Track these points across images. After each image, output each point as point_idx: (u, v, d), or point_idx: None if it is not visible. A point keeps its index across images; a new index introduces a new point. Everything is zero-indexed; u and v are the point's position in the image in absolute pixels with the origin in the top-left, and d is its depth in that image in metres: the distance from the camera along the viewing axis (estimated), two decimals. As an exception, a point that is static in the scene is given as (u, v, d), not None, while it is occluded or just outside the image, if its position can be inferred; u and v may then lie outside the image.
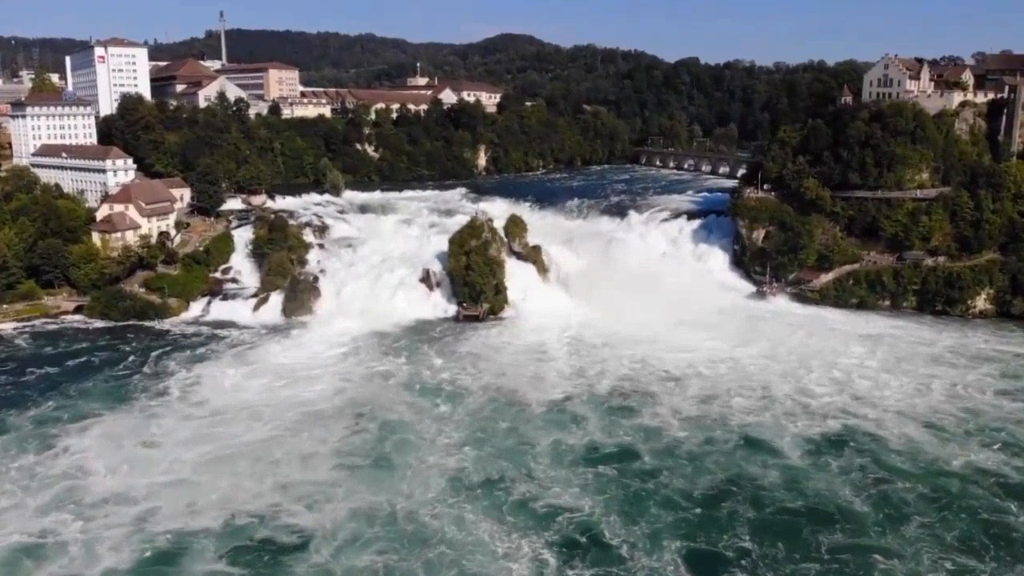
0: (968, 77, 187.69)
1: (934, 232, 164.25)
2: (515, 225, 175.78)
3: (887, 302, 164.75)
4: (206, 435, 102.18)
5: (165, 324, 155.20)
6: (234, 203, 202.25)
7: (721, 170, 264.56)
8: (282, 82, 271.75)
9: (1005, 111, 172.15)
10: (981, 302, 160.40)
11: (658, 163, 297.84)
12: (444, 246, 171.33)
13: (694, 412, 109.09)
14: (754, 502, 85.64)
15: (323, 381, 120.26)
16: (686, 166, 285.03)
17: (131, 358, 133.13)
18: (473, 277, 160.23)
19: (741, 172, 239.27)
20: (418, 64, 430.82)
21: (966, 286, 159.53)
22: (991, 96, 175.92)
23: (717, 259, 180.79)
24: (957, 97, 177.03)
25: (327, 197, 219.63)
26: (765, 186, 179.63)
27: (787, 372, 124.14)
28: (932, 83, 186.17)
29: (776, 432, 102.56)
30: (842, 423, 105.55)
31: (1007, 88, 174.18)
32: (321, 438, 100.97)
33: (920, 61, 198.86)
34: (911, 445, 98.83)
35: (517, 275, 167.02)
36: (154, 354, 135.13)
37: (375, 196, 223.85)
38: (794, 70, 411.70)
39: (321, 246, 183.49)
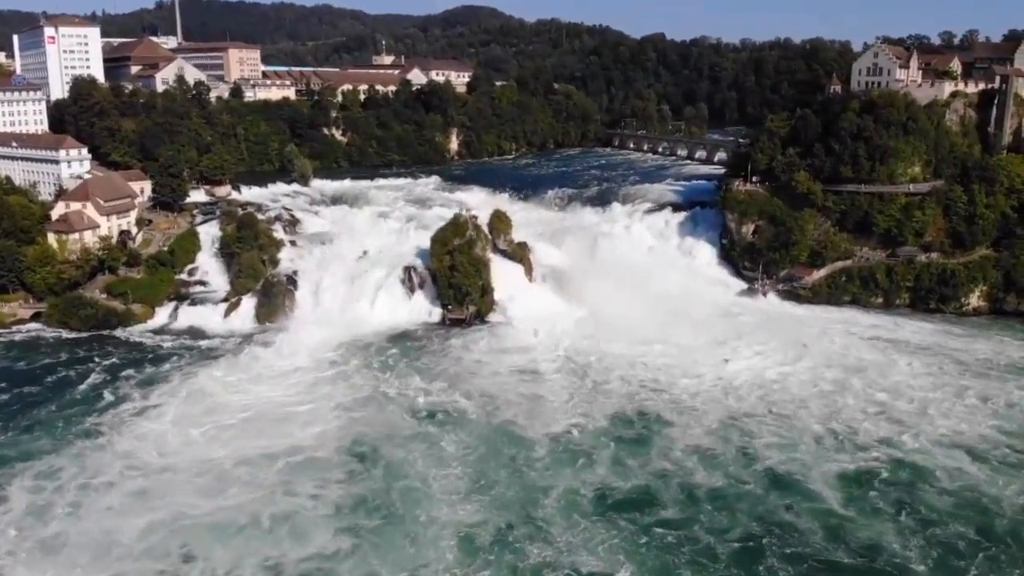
0: (956, 65, 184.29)
1: (927, 227, 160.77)
2: (500, 221, 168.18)
3: (880, 299, 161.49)
4: (165, 503, 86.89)
5: (133, 333, 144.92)
6: (197, 195, 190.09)
7: (697, 155, 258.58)
8: (243, 62, 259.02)
9: (996, 102, 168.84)
10: (975, 299, 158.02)
11: (631, 146, 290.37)
12: (424, 242, 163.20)
13: (711, 443, 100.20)
14: (793, 557, 77.72)
15: (310, 415, 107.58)
16: (660, 150, 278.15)
17: (87, 381, 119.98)
18: (458, 278, 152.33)
19: (719, 157, 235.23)
20: (382, 41, 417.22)
21: (960, 283, 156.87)
22: (982, 86, 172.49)
23: (704, 254, 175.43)
24: (948, 87, 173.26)
25: (295, 187, 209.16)
26: (754, 178, 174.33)
27: (808, 389, 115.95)
28: (921, 72, 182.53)
29: (807, 467, 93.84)
30: (881, 454, 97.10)
31: (998, 78, 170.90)
32: (314, 494, 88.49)
33: (908, 49, 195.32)
34: (960, 481, 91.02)
35: (503, 275, 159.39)
36: (106, 366, 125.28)
37: (346, 185, 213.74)
38: (760, 48, 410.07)
39: (293, 243, 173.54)
